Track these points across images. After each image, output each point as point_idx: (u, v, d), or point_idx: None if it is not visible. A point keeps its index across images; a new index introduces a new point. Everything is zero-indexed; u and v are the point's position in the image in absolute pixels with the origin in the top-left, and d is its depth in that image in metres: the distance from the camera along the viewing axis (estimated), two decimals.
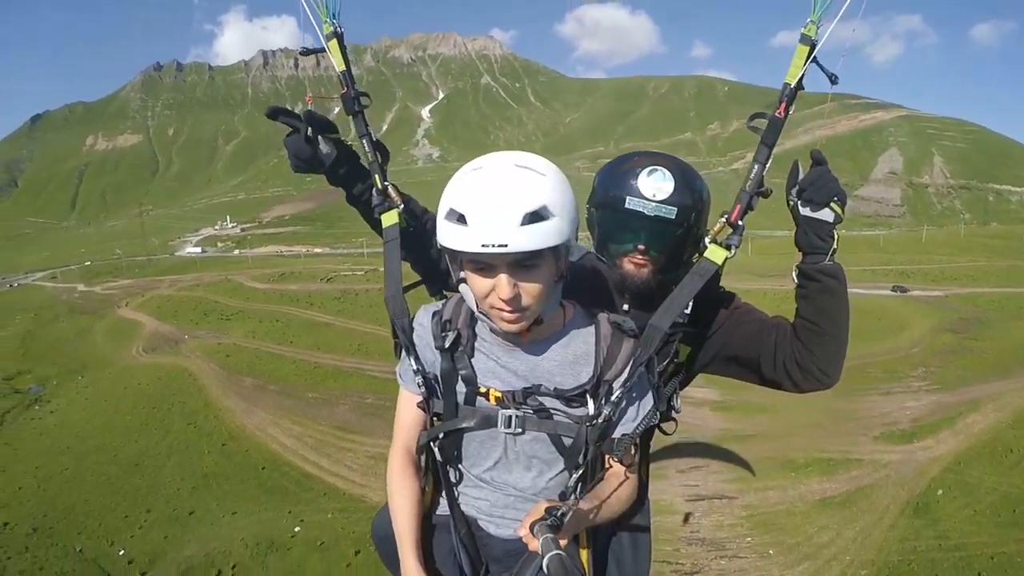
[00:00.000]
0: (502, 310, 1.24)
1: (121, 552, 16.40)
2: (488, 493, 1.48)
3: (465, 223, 1.18)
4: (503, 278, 1.20)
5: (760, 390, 1.71)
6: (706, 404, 18.03)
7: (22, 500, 18.95)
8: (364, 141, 1.77)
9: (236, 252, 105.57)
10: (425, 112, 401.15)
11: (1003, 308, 28.64)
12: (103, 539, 17.09)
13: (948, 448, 14.16)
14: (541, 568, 1.10)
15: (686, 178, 1.55)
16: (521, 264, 1.20)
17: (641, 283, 1.61)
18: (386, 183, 1.75)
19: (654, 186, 1.52)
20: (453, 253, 1.26)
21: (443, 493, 1.54)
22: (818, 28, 1.42)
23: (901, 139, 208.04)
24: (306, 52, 1.77)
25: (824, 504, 12.11)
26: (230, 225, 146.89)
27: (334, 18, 1.74)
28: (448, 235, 1.22)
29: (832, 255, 1.46)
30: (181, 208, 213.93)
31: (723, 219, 1.52)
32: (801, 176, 1.46)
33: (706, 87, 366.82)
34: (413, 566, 1.42)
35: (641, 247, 1.57)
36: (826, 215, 1.44)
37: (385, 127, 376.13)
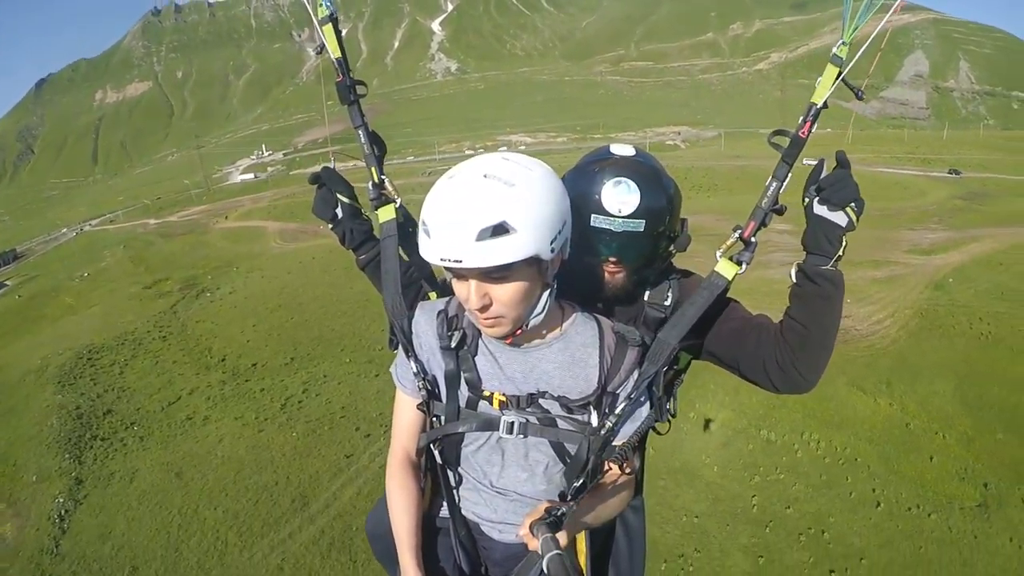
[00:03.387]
0: (477, 316, 1.25)
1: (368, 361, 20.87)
2: (489, 497, 1.48)
3: (428, 235, 1.16)
4: (472, 287, 1.20)
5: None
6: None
7: (251, 349, 20.71)
8: (360, 132, 1.73)
9: (298, 172, 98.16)
10: (436, 25, 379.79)
11: (1010, 189, 32.98)
12: (359, 352, 19.86)
13: (956, 260, 19.99)
14: (541, 569, 1.11)
15: (652, 184, 1.48)
16: (489, 275, 1.18)
17: (618, 288, 1.58)
18: (382, 176, 1.71)
19: (619, 200, 1.44)
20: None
21: (443, 495, 1.53)
22: (849, 49, 1.40)
23: (927, 42, 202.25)
24: (319, 51, 1.75)
25: (874, 282, 18.27)
26: (266, 153, 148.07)
27: (329, 2, 1.70)
28: (420, 242, 1.21)
29: (836, 262, 1.40)
30: (207, 145, 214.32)
31: (736, 234, 1.44)
32: (824, 175, 1.38)
33: None
34: (412, 567, 1.41)
35: (613, 259, 1.52)
36: (840, 218, 1.37)
37: (397, 44, 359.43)
